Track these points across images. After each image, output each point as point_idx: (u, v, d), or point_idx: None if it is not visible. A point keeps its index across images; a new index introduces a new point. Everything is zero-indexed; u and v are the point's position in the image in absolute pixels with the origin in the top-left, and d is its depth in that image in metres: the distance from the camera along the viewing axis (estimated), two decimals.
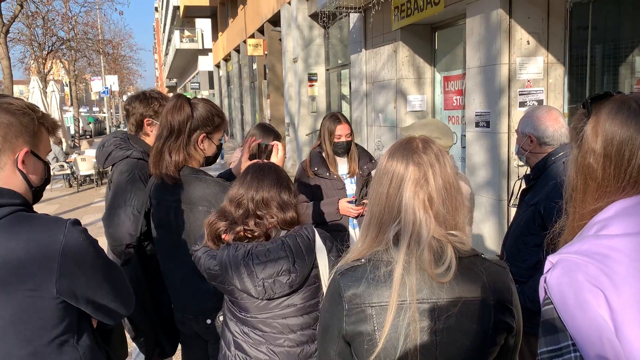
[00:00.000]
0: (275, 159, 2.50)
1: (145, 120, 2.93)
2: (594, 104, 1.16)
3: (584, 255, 1.00)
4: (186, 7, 27.64)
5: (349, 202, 3.23)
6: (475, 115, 6.24)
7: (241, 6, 20.45)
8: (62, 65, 28.68)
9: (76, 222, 1.46)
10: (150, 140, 2.86)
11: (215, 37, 29.09)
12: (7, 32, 13.70)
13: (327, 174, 3.23)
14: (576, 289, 0.98)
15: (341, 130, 3.22)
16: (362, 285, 1.20)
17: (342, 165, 3.35)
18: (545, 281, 1.05)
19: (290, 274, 1.75)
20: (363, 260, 1.23)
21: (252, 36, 18.39)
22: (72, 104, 27.03)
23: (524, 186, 2.61)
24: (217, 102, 30.73)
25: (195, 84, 38.36)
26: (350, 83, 10.47)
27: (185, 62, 42.88)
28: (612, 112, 1.10)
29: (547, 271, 1.04)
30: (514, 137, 5.78)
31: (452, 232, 1.23)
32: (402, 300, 1.16)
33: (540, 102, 5.86)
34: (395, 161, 1.26)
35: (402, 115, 8.22)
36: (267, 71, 17.08)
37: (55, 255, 1.36)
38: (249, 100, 21.03)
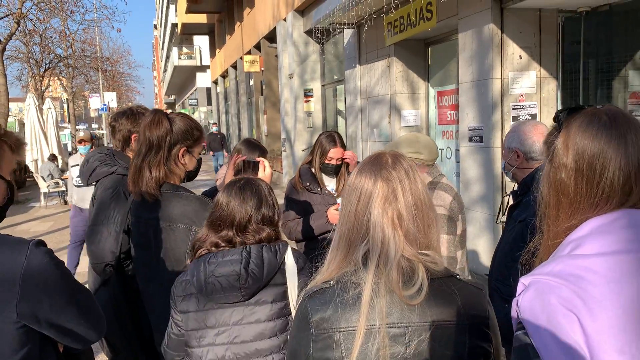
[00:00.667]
0: (262, 174, 2.46)
1: (132, 136, 2.89)
2: (564, 117, 1.12)
3: (558, 277, 0.95)
4: (184, 25, 27.83)
5: (337, 209, 3.18)
6: (469, 130, 6.21)
7: (238, 23, 20.57)
8: (60, 83, 28.74)
9: (40, 243, 1.40)
10: None
11: (213, 54, 29.24)
12: (4, 49, 13.73)
13: (319, 189, 3.18)
14: (549, 313, 0.92)
15: (334, 154, 3.17)
16: (329, 309, 1.14)
17: (330, 184, 3.30)
18: (517, 304, 1.00)
19: (240, 277, 1.73)
20: (332, 282, 1.17)
21: (249, 52, 18.47)
22: (69, 121, 27.03)
23: (511, 202, 2.56)
24: (214, 118, 30.78)
25: (194, 101, 38.49)
26: (345, 98, 10.47)
27: (183, 79, 43.06)
28: (582, 126, 1.05)
29: (520, 294, 0.98)
30: None
31: (424, 251, 1.18)
32: (371, 324, 1.10)
33: (533, 116, 5.83)
34: (363, 177, 1.21)
35: (396, 130, 8.19)
36: (263, 87, 17.12)
37: (16, 277, 1.31)
38: (246, 116, 21.05)
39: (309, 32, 12.47)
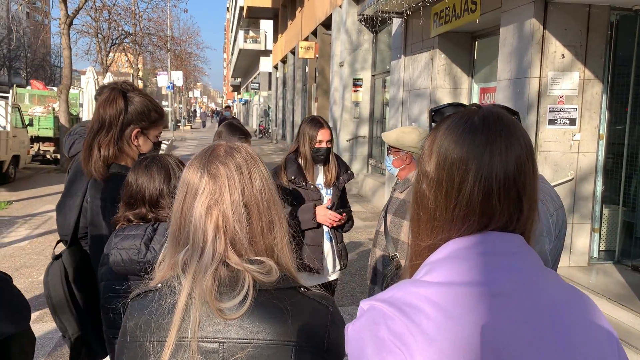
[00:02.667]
0: None
1: None
2: (438, 117, 0.94)
3: (393, 306, 0.78)
4: (249, 8, 28.12)
5: (327, 207, 3.03)
6: None
7: (299, 8, 20.53)
8: (127, 59, 29.83)
9: None
10: None
11: (275, 39, 29.41)
12: (71, 23, 14.33)
13: (304, 183, 3.01)
14: (376, 348, 0.76)
15: (322, 136, 3.00)
16: (145, 315, 1.02)
17: (319, 175, 3.15)
18: (347, 332, 0.84)
19: (139, 252, 1.74)
20: (160, 285, 1.05)
21: (307, 39, 18.40)
22: None
23: None
24: (272, 103, 31.03)
25: (255, 84, 38.89)
26: (389, 90, 10.20)
27: (248, 62, 43.63)
28: (450, 127, 0.87)
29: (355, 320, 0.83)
30: (540, 157, 5.36)
31: (259, 258, 1.03)
32: (182, 337, 0.98)
33: (572, 120, 5.41)
34: (191, 171, 1.07)
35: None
36: (317, 74, 17.02)
37: None
38: (300, 103, 21.05)
39: (362, 21, 12.22)
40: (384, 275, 2.83)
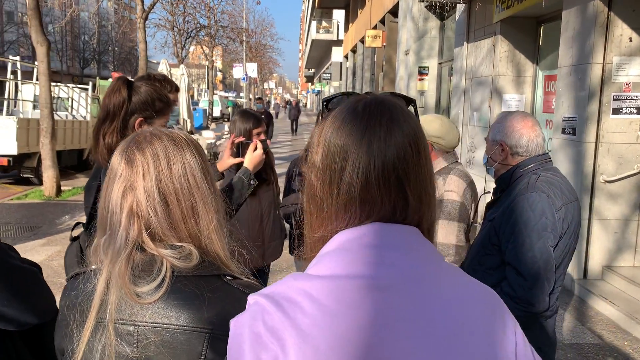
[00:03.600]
0: (249, 155, 2.40)
1: None
2: (333, 106, 0.91)
3: (273, 300, 0.76)
4: None
5: None
6: (563, 120, 5.52)
7: None
8: (202, 51, 30.88)
9: None
10: None
11: (347, 28, 29.32)
12: (147, 18, 15.04)
13: None
14: (252, 344, 0.74)
15: None
16: (72, 296, 1.07)
17: None
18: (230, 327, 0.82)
19: None
20: (94, 267, 1.09)
21: (375, 27, 18.20)
22: (208, 88, 29.04)
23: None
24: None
25: (327, 75, 39.04)
26: (452, 78, 9.89)
27: (321, 53, 43.84)
28: (334, 116, 0.85)
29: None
30: (602, 149, 5.02)
31: (177, 244, 1.04)
32: (101, 317, 1.01)
33: (639, 109, 5.01)
34: (115, 156, 1.09)
35: (495, 115, 7.56)
36: (384, 63, 16.81)
37: None
38: None
39: (428, 7, 11.90)
40: None
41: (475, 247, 2.16)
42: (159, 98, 2.36)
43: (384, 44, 16.61)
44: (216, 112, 35.92)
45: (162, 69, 14.01)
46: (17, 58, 11.44)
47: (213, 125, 20.43)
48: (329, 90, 39.65)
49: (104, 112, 2.29)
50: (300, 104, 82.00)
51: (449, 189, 2.56)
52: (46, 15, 43.14)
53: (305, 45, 59.54)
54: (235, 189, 2.20)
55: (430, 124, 2.68)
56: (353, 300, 0.73)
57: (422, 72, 12.76)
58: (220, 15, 26.31)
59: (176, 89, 2.53)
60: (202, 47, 29.12)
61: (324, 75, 40.74)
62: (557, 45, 6.90)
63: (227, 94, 57.65)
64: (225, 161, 2.44)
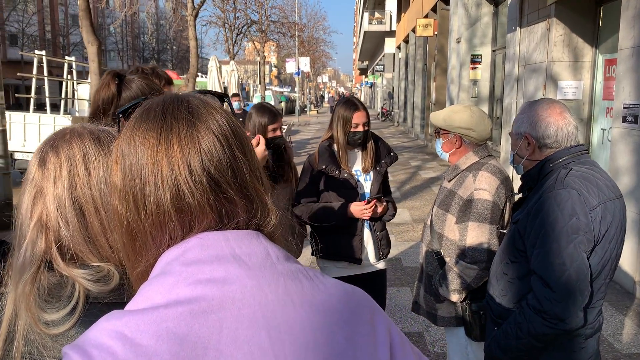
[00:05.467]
0: None
1: None
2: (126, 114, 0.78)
3: (81, 350, 0.62)
4: None
5: (366, 203, 2.77)
6: (623, 108, 5.05)
7: None
8: (254, 47, 31.14)
9: None
10: None
11: (399, 18, 28.73)
12: (197, 15, 15.22)
13: (337, 171, 2.78)
14: None
15: (358, 119, 2.76)
16: None
17: (355, 160, 2.90)
18: None
19: None
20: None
21: (427, 16, 17.67)
22: (260, 83, 29.26)
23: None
24: (395, 84, 30.47)
25: (380, 67, 38.46)
26: (504, 66, 9.39)
27: (374, 45, 43.27)
28: (128, 126, 0.72)
29: None
30: None
31: (95, 263, 0.89)
32: (8, 349, 0.86)
33: None
34: (34, 154, 0.95)
35: None
36: (436, 53, 16.30)
37: None
38: (420, 83, 20.37)
39: None
40: (426, 273, 2.54)
41: (500, 254, 1.92)
42: (151, 93, 2.24)
43: (436, 33, 16.10)
44: None
45: (212, 65, 14.17)
46: (73, 58, 11.83)
47: None
48: (381, 82, 39.10)
49: (93, 108, 2.19)
50: (355, 97, 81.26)
51: (479, 187, 2.31)
52: (107, 17, 44.91)
53: (359, 37, 59.03)
54: None
55: (459, 115, 2.43)
56: (174, 333, 0.61)
57: (475, 60, 12.24)
58: (271, 10, 26.42)
59: (169, 82, 2.41)
60: (253, 43, 29.35)
61: (377, 67, 40.18)
62: (619, 26, 6.37)
63: (281, 89, 58.06)
64: None
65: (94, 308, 0.86)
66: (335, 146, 2.84)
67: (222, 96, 0.88)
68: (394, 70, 33.38)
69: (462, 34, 12.19)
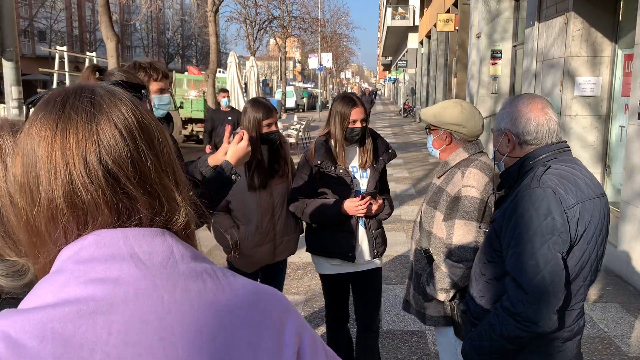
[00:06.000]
0: (233, 148, 2.17)
1: None
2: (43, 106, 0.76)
3: None
4: None
5: (360, 199, 2.73)
6: (639, 105, 4.90)
7: None
8: (275, 42, 31.18)
9: None
10: None
11: (422, 14, 28.46)
12: (217, 11, 15.32)
13: (333, 167, 2.75)
14: None
15: (356, 115, 2.72)
16: None
17: (353, 157, 2.87)
18: None
19: None
20: None
21: (448, 11, 17.47)
22: (280, 79, 29.29)
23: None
24: (417, 80, 30.18)
25: (403, 62, 38.15)
26: (522, 61, 9.21)
27: (398, 40, 42.96)
28: (29, 119, 0.71)
29: None
30: None
31: (11, 259, 0.88)
32: None
33: None
34: None
35: (567, 100, 6.92)
36: (457, 48, 16.09)
37: None
38: (442, 79, 20.16)
39: None
40: (415, 272, 2.50)
41: (479, 254, 1.87)
42: (130, 87, 2.24)
43: (457, 28, 15.90)
44: (290, 103, 36.21)
45: (231, 61, 14.23)
46: (94, 54, 12.03)
47: (284, 116, 20.61)
48: (403, 77, 38.82)
49: None
50: (379, 92, 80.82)
51: (467, 184, 2.26)
52: (133, 13, 45.47)
53: (382, 32, 58.65)
54: (213, 183, 2.03)
55: (449, 111, 2.39)
56: (59, 334, 0.60)
57: (495, 55, 12.02)
58: (292, 6, 26.42)
59: (165, 77, 2.40)
60: (275, 39, 29.40)
61: (400, 62, 39.87)
62: None
63: (305, 85, 58.07)
64: (217, 156, 2.25)
65: (8, 304, 0.85)
66: (332, 142, 2.82)
67: (140, 88, 0.87)
68: (416, 66, 33.08)
69: (482, 29, 12.00)
